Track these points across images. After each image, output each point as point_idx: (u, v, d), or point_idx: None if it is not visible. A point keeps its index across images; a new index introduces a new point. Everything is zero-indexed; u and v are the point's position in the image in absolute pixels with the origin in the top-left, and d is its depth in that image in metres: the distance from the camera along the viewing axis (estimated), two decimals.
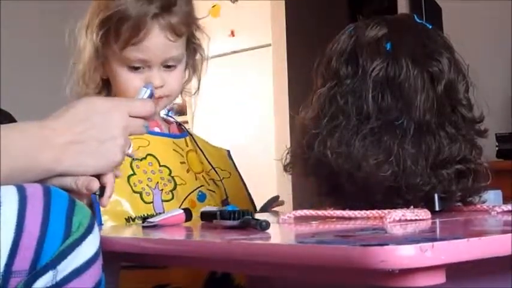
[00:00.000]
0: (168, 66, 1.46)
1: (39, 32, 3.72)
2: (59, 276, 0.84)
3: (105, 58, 1.46)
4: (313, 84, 1.26)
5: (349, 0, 4.59)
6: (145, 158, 1.45)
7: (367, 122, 1.16)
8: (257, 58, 4.60)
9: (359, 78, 1.19)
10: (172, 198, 1.44)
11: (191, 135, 1.60)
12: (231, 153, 1.68)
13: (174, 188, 1.45)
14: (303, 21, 4.39)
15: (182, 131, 1.60)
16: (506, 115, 2.94)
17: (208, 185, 1.52)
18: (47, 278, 0.84)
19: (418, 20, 1.27)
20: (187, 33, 1.49)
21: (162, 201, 1.42)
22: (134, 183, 1.41)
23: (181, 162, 1.50)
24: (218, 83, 4.27)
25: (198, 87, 1.60)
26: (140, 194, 1.40)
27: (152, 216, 1.36)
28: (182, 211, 1.22)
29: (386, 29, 1.21)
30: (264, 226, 0.97)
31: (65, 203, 0.87)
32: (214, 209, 1.20)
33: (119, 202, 1.37)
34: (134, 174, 1.42)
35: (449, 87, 1.18)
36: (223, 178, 1.57)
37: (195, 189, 1.48)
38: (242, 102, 4.69)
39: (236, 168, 1.64)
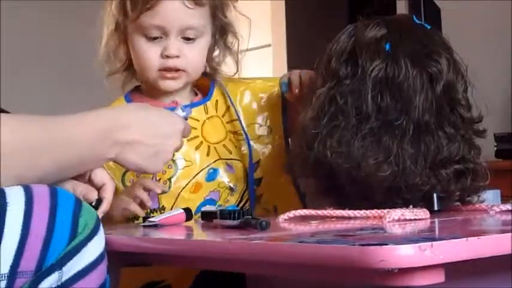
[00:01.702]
0: (187, 39, 1.42)
1: (39, 32, 3.72)
2: (65, 277, 0.85)
3: (125, 32, 1.43)
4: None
5: (349, 1, 4.59)
6: None
7: (367, 122, 1.16)
8: (257, 58, 4.60)
9: (358, 79, 1.19)
10: (170, 187, 1.39)
11: (224, 89, 1.51)
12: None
13: (174, 175, 1.40)
14: (303, 21, 4.39)
15: (206, 95, 1.51)
16: (505, 115, 2.94)
17: (231, 153, 1.45)
18: (52, 279, 0.84)
19: (417, 21, 1.27)
20: (212, 7, 1.45)
21: (158, 193, 1.38)
22: (129, 181, 1.39)
23: (190, 139, 1.42)
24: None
25: (237, 68, 1.54)
26: None
27: (147, 214, 1.35)
28: (182, 210, 1.22)
29: (385, 29, 1.22)
30: (264, 226, 0.97)
31: (71, 204, 0.88)
32: (214, 208, 1.21)
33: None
34: (128, 171, 1.38)
35: (448, 88, 1.19)
36: (259, 137, 1.49)
37: (205, 168, 1.43)
38: None
39: (284, 108, 1.52)
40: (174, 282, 1.41)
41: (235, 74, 1.54)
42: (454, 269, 0.73)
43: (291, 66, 4.34)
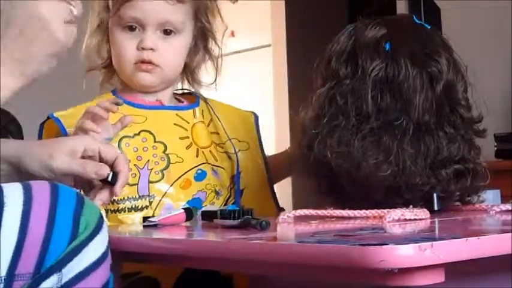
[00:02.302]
0: (166, 33, 1.43)
1: None
2: (64, 279, 0.82)
3: (107, 29, 1.45)
4: (313, 84, 1.26)
5: (349, 1, 4.59)
6: (138, 134, 1.41)
7: (367, 122, 1.16)
8: (257, 58, 4.60)
9: (358, 79, 1.19)
10: (162, 178, 1.39)
11: (207, 102, 1.54)
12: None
13: (166, 167, 1.40)
14: (303, 21, 4.39)
15: (193, 102, 1.54)
16: (505, 115, 2.94)
17: (216, 160, 1.47)
18: (51, 281, 0.82)
19: (417, 21, 1.27)
20: (194, 7, 1.46)
21: (149, 182, 1.38)
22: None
23: (182, 138, 1.45)
24: (218, 83, 4.27)
25: (216, 78, 1.56)
26: None
27: (134, 198, 1.35)
28: (183, 210, 1.22)
29: (385, 29, 1.22)
30: (264, 226, 0.98)
31: (73, 202, 0.85)
32: (214, 208, 1.21)
33: None
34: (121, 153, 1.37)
35: (448, 88, 1.19)
36: (239, 150, 1.51)
37: (194, 167, 1.43)
38: (242, 102, 4.68)
39: (259, 137, 1.57)
40: (157, 276, 1.39)
41: (213, 82, 1.56)
42: (454, 269, 0.73)
43: (291, 66, 4.36)
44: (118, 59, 1.45)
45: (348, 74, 1.20)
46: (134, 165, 1.38)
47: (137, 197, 1.37)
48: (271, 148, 4.52)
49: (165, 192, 1.39)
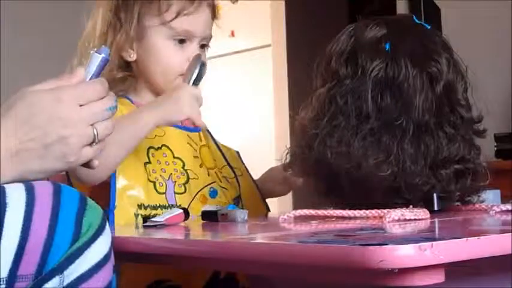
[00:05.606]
0: (202, 46, 1.50)
1: (39, 32, 3.72)
2: (66, 281, 0.82)
3: (141, 34, 1.47)
4: (313, 84, 1.27)
5: (349, 1, 4.59)
6: (160, 148, 1.44)
7: (367, 122, 1.16)
8: (257, 58, 4.61)
9: (358, 79, 1.19)
10: (185, 191, 1.43)
11: (208, 130, 1.58)
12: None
13: (187, 182, 1.44)
14: (303, 21, 4.39)
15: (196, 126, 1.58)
16: (505, 115, 2.94)
17: (221, 181, 1.51)
18: (53, 283, 0.81)
19: (417, 21, 1.27)
20: None
21: (175, 193, 1.42)
22: (149, 172, 1.41)
23: (195, 157, 1.49)
24: (218, 83, 4.27)
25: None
26: (154, 183, 1.40)
27: (165, 206, 1.38)
28: (182, 211, 1.22)
29: (385, 29, 1.22)
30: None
31: (76, 203, 0.84)
32: (214, 208, 1.22)
33: (133, 187, 1.37)
34: (149, 162, 1.41)
35: (448, 88, 1.19)
36: (239, 175, 1.56)
37: (207, 185, 1.48)
38: (242, 102, 4.69)
39: (246, 168, 1.62)
40: (184, 284, 1.42)
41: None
42: (454, 269, 0.73)
43: (291, 66, 4.36)
44: (162, 68, 1.47)
45: (348, 74, 1.20)
46: (160, 175, 1.42)
47: (167, 205, 1.40)
48: (271, 148, 4.55)
49: (189, 205, 1.42)
